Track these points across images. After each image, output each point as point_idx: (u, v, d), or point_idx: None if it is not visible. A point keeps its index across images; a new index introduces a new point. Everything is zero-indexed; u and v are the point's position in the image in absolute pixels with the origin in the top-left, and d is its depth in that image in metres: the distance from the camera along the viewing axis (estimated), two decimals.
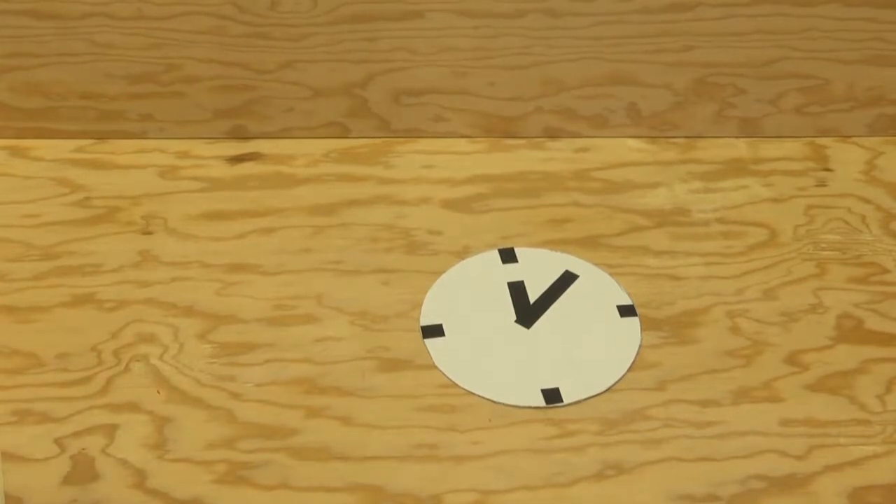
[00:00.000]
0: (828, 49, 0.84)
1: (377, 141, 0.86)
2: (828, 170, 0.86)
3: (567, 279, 0.76)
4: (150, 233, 0.78)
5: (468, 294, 0.75)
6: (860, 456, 0.66)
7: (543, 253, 0.78)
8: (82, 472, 0.64)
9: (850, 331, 0.73)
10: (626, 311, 0.74)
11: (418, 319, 0.73)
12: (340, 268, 0.76)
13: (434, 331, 0.73)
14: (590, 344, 0.72)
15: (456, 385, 0.70)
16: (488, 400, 0.69)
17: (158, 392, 0.68)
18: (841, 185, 0.84)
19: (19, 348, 0.70)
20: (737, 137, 0.88)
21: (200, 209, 0.80)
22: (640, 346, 0.72)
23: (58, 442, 0.65)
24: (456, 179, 0.83)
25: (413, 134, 0.86)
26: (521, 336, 0.73)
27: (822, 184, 0.84)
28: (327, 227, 0.79)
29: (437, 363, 0.71)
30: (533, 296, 0.75)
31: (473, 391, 0.69)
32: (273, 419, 0.67)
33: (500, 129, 0.87)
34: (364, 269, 0.76)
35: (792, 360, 0.71)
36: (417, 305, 0.74)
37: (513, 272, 0.77)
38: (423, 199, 0.82)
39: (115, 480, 0.64)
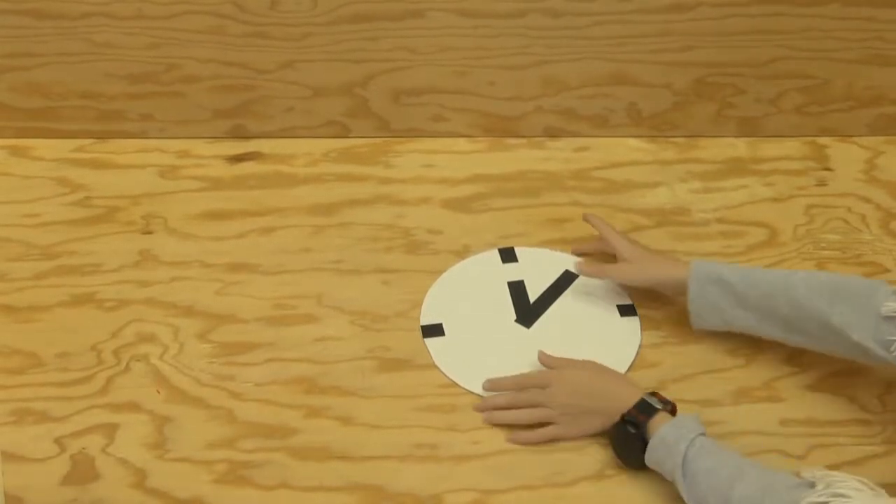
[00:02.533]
0: (828, 49, 0.84)
1: (377, 140, 0.86)
2: (828, 169, 0.86)
3: (567, 279, 0.76)
4: (150, 232, 0.78)
5: (468, 294, 0.75)
6: (860, 456, 0.66)
7: (543, 252, 0.78)
8: (82, 472, 0.64)
9: None
10: (626, 310, 0.74)
11: (418, 319, 0.73)
12: (340, 267, 0.76)
13: (434, 330, 0.73)
14: (590, 343, 0.72)
15: (456, 384, 0.69)
16: None
17: (158, 392, 0.68)
18: (841, 185, 0.84)
19: (19, 348, 0.70)
20: (736, 137, 0.88)
21: (200, 209, 0.80)
22: (640, 346, 0.72)
23: (58, 442, 0.65)
24: (456, 179, 0.83)
25: (413, 133, 0.86)
26: (522, 335, 0.73)
27: (822, 183, 0.84)
28: (327, 226, 0.79)
29: (436, 363, 0.71)
30: (533, 295, 0.75)
31: (473, 391, 0.69)
32: (273, 419, 0.67)
33: (500, 128, 0.87)
34: (364, 268, 0.76)
35: (792, 360, 0.71)
36: (417, 305, 0.74)
37: (513, 272, 0.77)
38: (423, 198, 0.82)
39: (115, 480, 0.64)
